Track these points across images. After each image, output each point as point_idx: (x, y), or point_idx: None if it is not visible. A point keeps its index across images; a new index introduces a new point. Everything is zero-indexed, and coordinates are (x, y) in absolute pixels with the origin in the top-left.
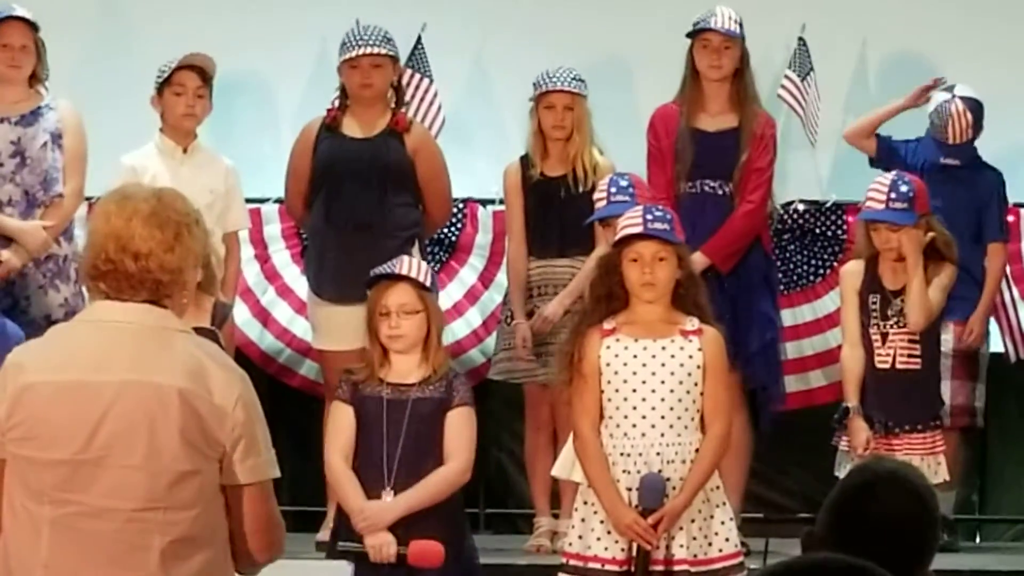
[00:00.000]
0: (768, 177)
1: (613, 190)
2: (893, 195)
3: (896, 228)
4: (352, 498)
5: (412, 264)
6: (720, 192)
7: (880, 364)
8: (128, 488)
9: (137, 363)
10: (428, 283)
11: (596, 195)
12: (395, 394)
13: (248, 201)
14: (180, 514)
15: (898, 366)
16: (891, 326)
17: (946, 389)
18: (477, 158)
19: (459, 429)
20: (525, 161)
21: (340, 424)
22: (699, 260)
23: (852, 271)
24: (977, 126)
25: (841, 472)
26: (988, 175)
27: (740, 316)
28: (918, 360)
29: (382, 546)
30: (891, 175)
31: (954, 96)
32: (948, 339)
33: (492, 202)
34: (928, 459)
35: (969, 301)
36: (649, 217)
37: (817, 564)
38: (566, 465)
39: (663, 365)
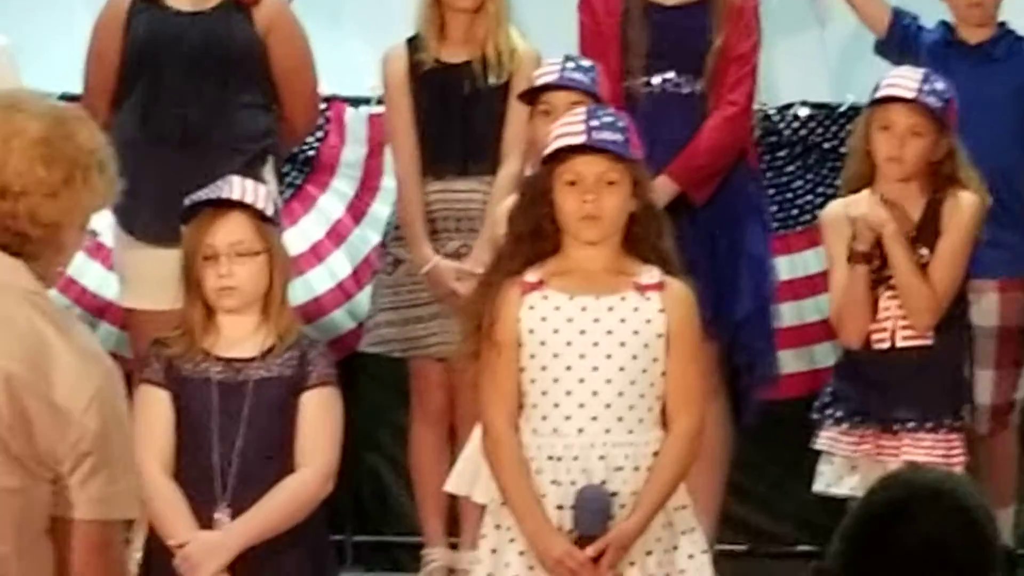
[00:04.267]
0: (752, 67)
1: (570, 65)
2: (927, 87)
3: (919, 131)
4: (174, 524)
5: (247, 186)
6: (687, 91)
7: (876, 343)
8: None
9: None
10: (270, 213)
11: (541, 69)
12: (228, 373)
13: None
14: None
15: (899, 343)
16: (886, 289)
17: (986, 382)
18: (347, 39)
19: (317, 419)
20: (413, 44)
21: (153, 417)
22: (663, 186)
23: (837, 215)
24: None
25: (820, 486)
26: None
27: (722, 262)
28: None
29: None
30: (923, 70)
31: None
32: (990, 308)
33: (367, 101)
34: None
35: (1016, 246)
36: (595, 124)
37: None
38: (465, 477)
39: (609, 333)
